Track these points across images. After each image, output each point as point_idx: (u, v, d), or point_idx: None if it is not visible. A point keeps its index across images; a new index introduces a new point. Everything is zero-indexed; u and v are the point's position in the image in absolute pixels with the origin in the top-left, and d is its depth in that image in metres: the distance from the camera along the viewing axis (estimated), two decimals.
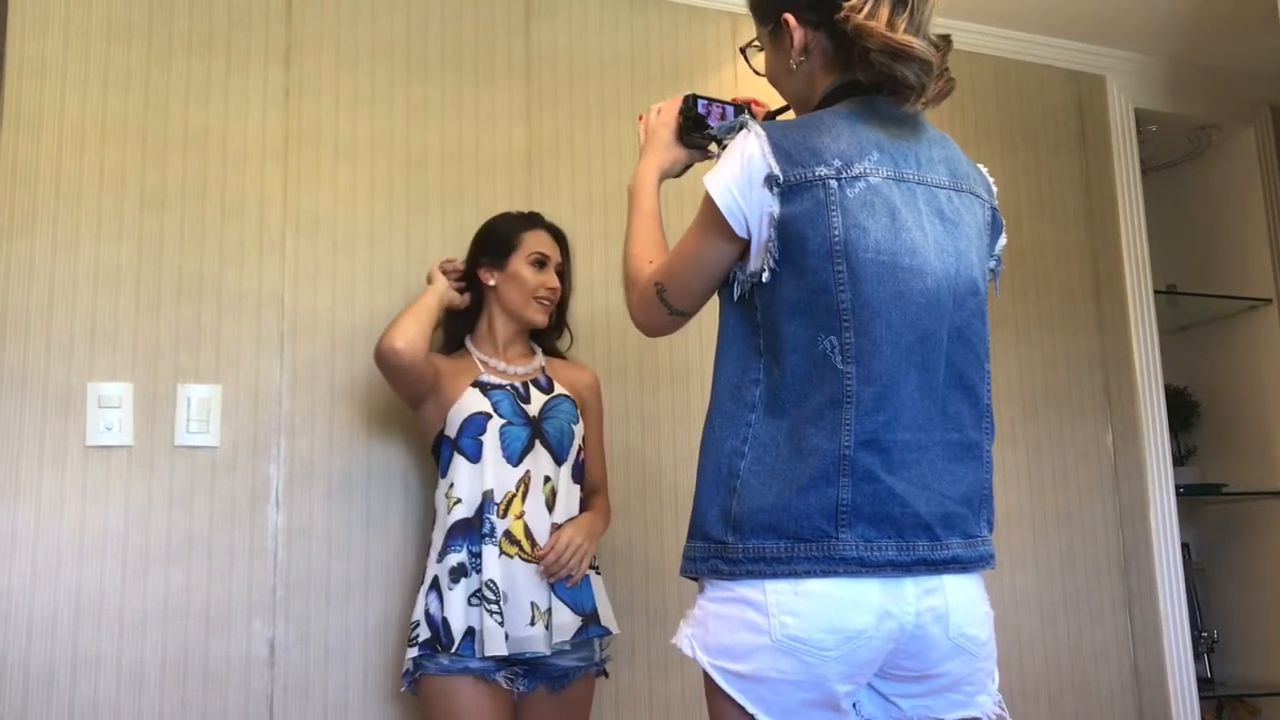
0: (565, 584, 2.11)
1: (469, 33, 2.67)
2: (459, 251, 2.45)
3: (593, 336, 2.62)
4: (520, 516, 2.12)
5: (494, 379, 2.24)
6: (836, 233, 1.35)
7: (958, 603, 1.39)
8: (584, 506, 2.25)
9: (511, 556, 2.10)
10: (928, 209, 1.41)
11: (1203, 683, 3.26)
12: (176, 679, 2.20)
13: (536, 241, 2.32)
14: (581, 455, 2.26)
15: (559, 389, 2.28)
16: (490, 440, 2.15)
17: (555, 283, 2.31)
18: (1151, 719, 3.02)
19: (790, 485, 1.33)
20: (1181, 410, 3.60)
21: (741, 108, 1.70)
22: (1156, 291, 3.30)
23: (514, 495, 2.14)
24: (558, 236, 2.38)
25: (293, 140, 2.46)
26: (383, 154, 2.53)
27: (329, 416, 2.39)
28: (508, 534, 2.11)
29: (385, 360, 2.13)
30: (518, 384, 2.25)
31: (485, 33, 2.68)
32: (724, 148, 1.55)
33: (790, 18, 1.47)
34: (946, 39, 1.44)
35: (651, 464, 2.63)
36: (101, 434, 2.22)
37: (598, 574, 2.21)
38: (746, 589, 1.33)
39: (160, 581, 2.22)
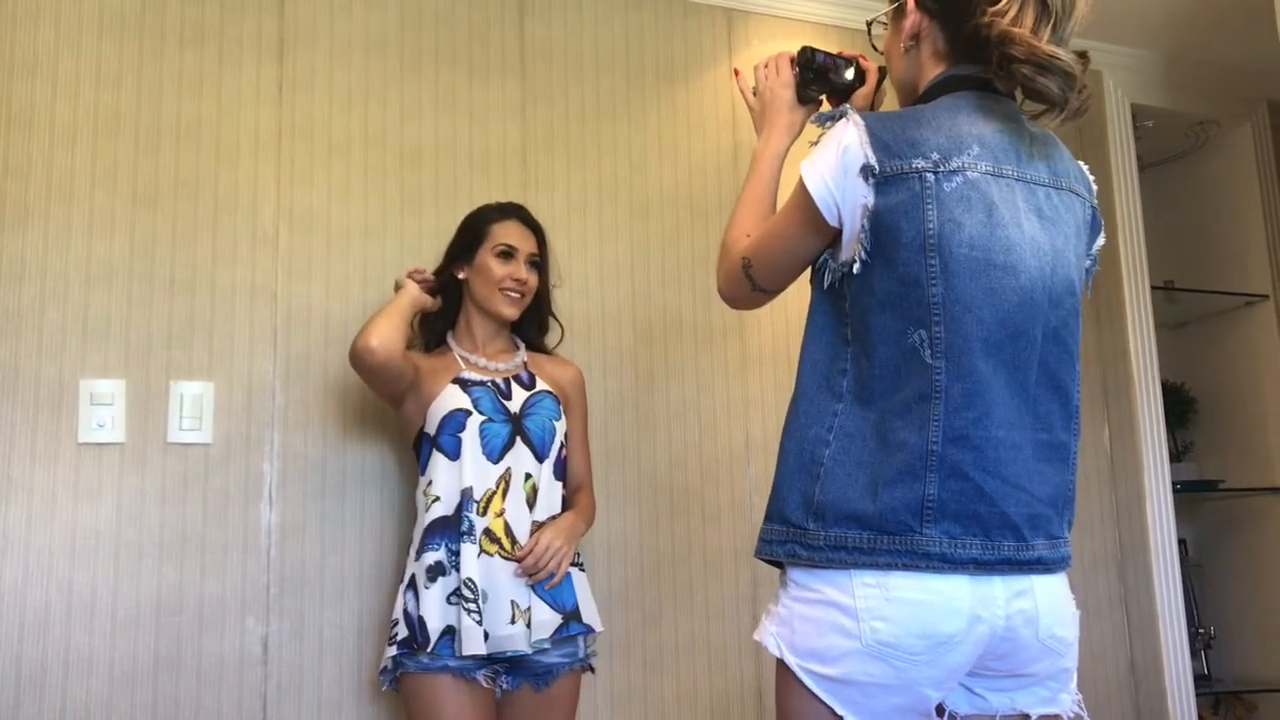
0: (545, 585, 2.10)
1: (463, 28, 2.66)
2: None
3: (588, 332, 2.61)
4: (500, 514, 2.10)
5: (474, 375, 2.21)
6: (931, 226, 1.33)
7: (1047, 605, 1.38)
8: (566, 504, 2.22)
9: (491, 555, 2.08)
10: (1026, 206, 1.39)
11: (1199, 679, 3.26)
12: (170, 676, 2.19)
13: (503, 233, 2.27)
14: (564, 452, 2.23)
15: (541, 385, 2.26)
16: (470, 437, 2.12)
17: (522, 274, 2.25)
18: (1148, 715, 3.02)
19: (877, 477, 1.33)
20: (1178, 406, 3.59)
21: (851, 60, 1.66)
22: (1154, 287, 3.30)
23: (494, 493, 2.11)
24: (533, 228, 2.32)
25: (286, 134, 2.45)
26: (376, 149, 2.52)
27: (322, 412, 2.38)
28: (487, 532, 2.08)
29: (360, 360, 2.10)
30: (499, 380, 2.23)
31: (479, 28, 2.67)
32: (837, 103, 1.58)
33: (911, 1, 1.48)
34: (1085, 55, 1.39)
35: (646, 459, 2.63)
36: (93, 431, 2.21)
37: (581, 570, 2.19)
38: (834, 590, 1.33)
39: (153, 578, 2.21)
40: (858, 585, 1.31)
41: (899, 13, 1.50)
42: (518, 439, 2.16)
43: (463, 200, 2.56)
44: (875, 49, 1.61)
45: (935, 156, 1.35)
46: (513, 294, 2.25)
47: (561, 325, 2.44)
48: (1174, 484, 3.19)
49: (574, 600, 2.14)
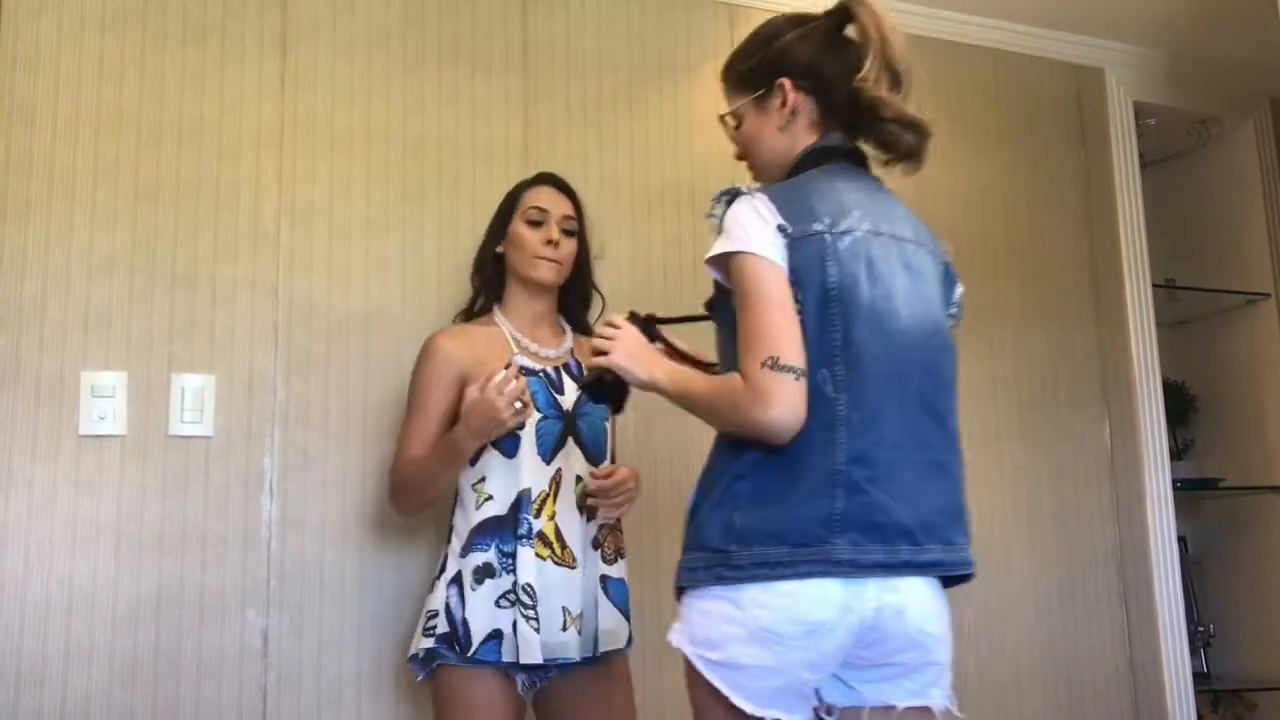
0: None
1: (466, 22, 2.66)
2: (452, 240, 2.45)
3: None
4: (552, 518, 2.03)
5: (528, 362, 2.12)
6: (832, 280, 1.52)
7: (915, 600, 1.52)
8: None
9: (544, 559, 2.00)
10: (898, 261, 1.59)
11: (1199, 677, 3.26)
12: (170, 669, 2.19)
13: (533, 197, 2.20)
14: (615, 453, 2.19)
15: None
16: (528, 436, 2.04)
17: (554, 235, 2.15)
18: (1147, 713, 3.02)
19: (790, 496, 1.48)
20: (1179, 404, 3.59)
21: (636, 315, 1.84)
22: (1155, 285, 3.30)
23: (547, 495, 2.04)
24: (566, 192, 2.23)
25: (288, 129, 2.45)
26: (379, 144, 2.53)
27: (323, 406, 2.38)
28: (540, 535, 2.01)
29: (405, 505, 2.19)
30: (550, 370, 2.14)
31: (482, 23, 2.67)
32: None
33: (787, 82, 1.65)
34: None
35: (647, 460, 2.62)
36: (95, 423, 2.21)
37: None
38: (725, 589, 1.48)
39: (153, 572, 2.21)
40: (753, 588, 1.47)
41: (765, 97, 1.67)
42: (569, 439, 2.10)
43: (465, 195, 2.56)
44: (733, 140, 1.76)
45: (828, 221, 1.55)
46: (548, 259, 2.16)
47: (603, 296, 2.34)
48: (1174, 482, 3.19)
49: (628, 605, 2.11)
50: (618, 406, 1.79)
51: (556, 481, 2.07)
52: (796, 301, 1.51)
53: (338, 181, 2.48)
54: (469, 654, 1.97)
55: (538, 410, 2.06)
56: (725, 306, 1.59)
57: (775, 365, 1.47)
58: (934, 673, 1.56)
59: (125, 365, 2.26)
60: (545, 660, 1.98)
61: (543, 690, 2.08)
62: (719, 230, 1.59)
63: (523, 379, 1.97)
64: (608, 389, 1.74)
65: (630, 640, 2.14)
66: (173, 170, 2.36)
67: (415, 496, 2.14)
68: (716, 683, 1.47)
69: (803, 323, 1.51)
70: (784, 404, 1.46)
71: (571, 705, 2.09)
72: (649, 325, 1.84)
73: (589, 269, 2.28)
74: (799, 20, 1.72)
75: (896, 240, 1.60)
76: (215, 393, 2.30)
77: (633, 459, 2.60)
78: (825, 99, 1.65)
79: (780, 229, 1.53)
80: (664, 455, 2.63)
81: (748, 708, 1.46)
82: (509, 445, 2.06)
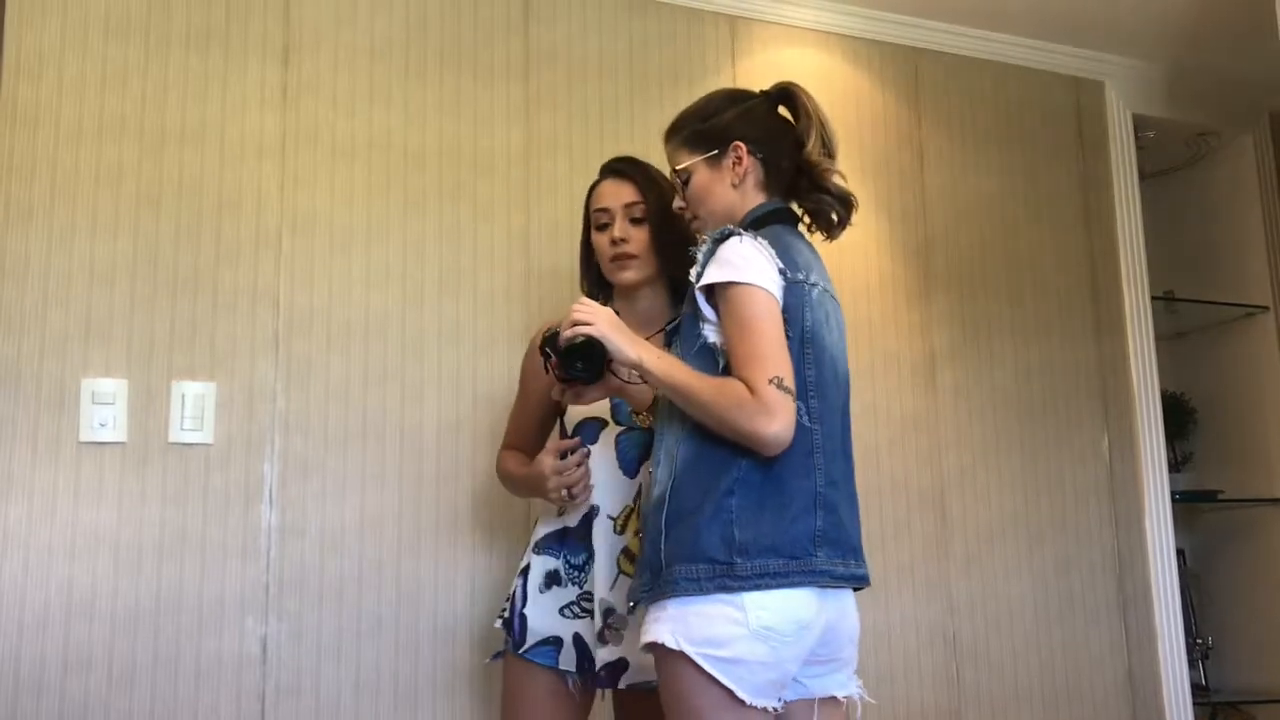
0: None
1: (467, 32, 2.67)
2: (452, 249, 2.46)
3: None
4: (639, 534, 1.88)
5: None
6: (808, 324, 1.73)
7: (851, 607, 1.78)
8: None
9: (630, 575, 1.90)
10: (835, 317, 1.83)
11: (1197, 689, 3.25)
12: (168, 676, 2.19)
13: (595, 199, 2.11)
14: None
15: None
16: (603, 450, 1.97)
17: (617, 233, 2.03)
18: None
19: (782, 515, 1.66)
20: (1178, 416, 3.60)
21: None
22: (1154, 297, 3.30)
23: (632, 510, 1.95)
24: (626, 175, 2.10)
25: (290, 138, 2.46)
26: (380, 152, 2.53)
27: (323, 415, 2.38)
28: (626, 551, 1.93)
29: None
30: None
31: (484, 32, 2.68)
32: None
33: (743, 145, 1.83)
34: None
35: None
36: (95, 430, 2.21)
37: None
38: (724, 594, 1.62)
39: (153, 578, 2.21)
40: (752, 593, 1.62)
41: (718, 157, 1.84)
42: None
43: (466, 204, 2.57)
44: (682, 195, 1.88)
45: (802, 273, 1.74)
46: (619, 259, 2.04)
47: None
48: (1173, 494, 3.20)
49: None
50: (596, 376, 1.81)
51: (642, 497, 1.93)
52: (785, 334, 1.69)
53: (339, 190, 2.48)
54: (520, 650, 1.97)
55: (619, 424, 1.99)
56: (692, 331, 1.75)
57: (780, 385, 1.63)
58: (853, 667, 1.80)
59: (126, 372, 2.26)
60: (631, 684, 1.94)
61: (622, 702, 2.06)
62: (705, 261, 1.72)
63: (585, 467, 1.96)
64: (585, 357, 1.77)
65: None
66: (175, 177, 2.36)
67: (511, 492, 2.18)
68: (722, 678, 1.60)
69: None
70: (785, 421, 1.63)
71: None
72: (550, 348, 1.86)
73: (677, 229, 1.98)
74: (744, 94, 1.92)
75: (831, 296, 1.82)
76: (215, 400, 2.30)
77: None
78: (773, 165, 1.85)
79: (781, 272, 1.71)
80: None
81: (747, 698, 1.61)
82: None
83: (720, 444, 1.67)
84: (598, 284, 2.14)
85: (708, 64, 2.88)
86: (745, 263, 1.69)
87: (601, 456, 1.98)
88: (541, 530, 2.05)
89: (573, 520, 2.00)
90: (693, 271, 1.74)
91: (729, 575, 1.62)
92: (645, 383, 1.79)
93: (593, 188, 2.15)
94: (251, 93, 2.45)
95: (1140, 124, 3.39)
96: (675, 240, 1.99)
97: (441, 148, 2.59)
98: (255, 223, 2.40)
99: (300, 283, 2.41)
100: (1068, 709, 2.95)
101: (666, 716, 1.67)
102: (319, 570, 2.32)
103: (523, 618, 1.99)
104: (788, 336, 1.69)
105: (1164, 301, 3.47)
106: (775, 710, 1.65)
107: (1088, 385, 3.16)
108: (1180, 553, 3.30)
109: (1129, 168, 3.32)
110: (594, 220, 2.10)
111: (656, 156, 2.78)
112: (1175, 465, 3.56)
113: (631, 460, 1.98)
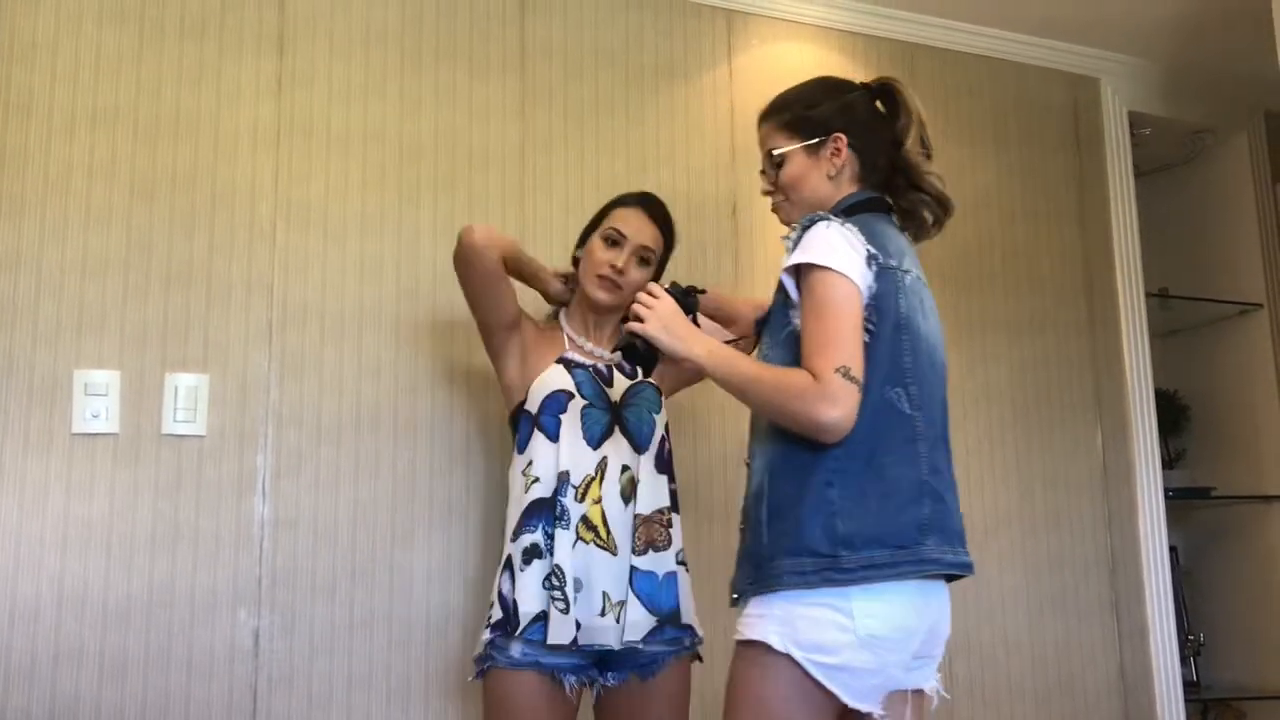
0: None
1: (463, 24, 2.66)
2: (447, 243, 2.44)
3: None
4: (598, 501, 2.04)
5: (578, 357, 2.17)
6: (902, 310, 1.70)
7: (947, 605, 1.75)
8: (675, 498, 2.15)
9: (588, 543, 2.02)
10: (931, 304, 1.80)
11: (1188, 685, 3.26)
12: (160, 669, 2.18)
13: (619, 218, 2.19)
14: (666, 445, 2.18)
15: (643, 375, 2.16)
16: (570, 420, 2.08)
17: (620, 263, 2.14)
18: None
19: (886, 505, 1.64)
20: (1171, 414, 3.60)
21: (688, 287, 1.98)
22: (1148, 294, 3.30)
23: (593, 479, 2.06)
24: (658, 220, 2.21)
25: (285, 129, 2.45)
26: (375, 144, 2.52)
27: (317, 407, 2.38)
28: (585, 519, 2.03)
29: (461, 248, 2.09)
30: (600, 365, 2.18)
31: (480, 24, 2.67)
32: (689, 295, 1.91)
33: (843, 137, 1.81)
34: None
35: (703, 464, 2.62)
36: (87, 421, 2.20)
37: (685, 570, 2.13)
38: (832, 597, 1.60)
39: (145, 570, 2.20)
40: (859, 594, 1.60)
41: (817, 146, 1.82)
42: (616, 428, 2.12)
43: (461, 197, 2.56)
44: (773, 172, 1.86)
45: (895, 260, 1.73)
46: (607, 281, 2.15)
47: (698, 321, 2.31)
48: (1166, 491, 3.20)
49: (674, 602, 2.08)
50: (647, 371, 1.88)
51: (602, 468, 2.08)
52: (870, 324, 1.67)
53: (334, 181, 2.47)
54: (519, 633, 1.98)
55: (584, 398, 2.10)
56: (781, 319, 1.73)
57: (846, 374, 1.60)
58: (939, 662, 1.78)
59: (119, 364, 2.25)
60: (582, 645, 1.99)
61: (599, 699, 2.08)
62: (794, 247, 1.70)
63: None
64: (639, 353, 1.82)
65: (691, 643, 2.13)
66: (168, 168, 2.35)
67: (481, 261, 2.11)
68: (830, 685, 1.59)
69: (874, 345, 1.66)
70: (846, 410, 1.60)
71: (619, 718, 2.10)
72: (688, 297, 1.92)
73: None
74: (847, 84, 1.91)
75: (925, 286, 1.80)
76: (209, 392, 2.30)
77: (689, 459, 2.59)
78: (869, 160, 1.83)
79: (871, 258, 1.68)
80: (718, 460, 2.59)
81: (851, 704, 1.61)
82: (550, 428, 2.09)
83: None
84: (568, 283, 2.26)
85: (704, 58, 2.88)
86: (829, 248, 1.67)
87: (568, 426, 2.08)
88: (517, 513, 2.08)
89: (546, 490, 2.05)
90: (784, 258, 1.72)
91: (834, 568, 1.60)
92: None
93: (620, 204, 2.23)
94: (246, 83, 2.44)
95: (1136, 121, 3.39)
96: None
97: (437, 140, 2.58)
98: (249, 214, 2.39)
99: (294, 274, 2.41)
100: (1060, 704, 2.96)
101: (735, 709, 1.64)
102: (312, 562, 2.32)
103: (515, 603, 2.01)
104: (879, 324, 1.67)
105: (1158, 298, 3.47)
106: (879, 716, 1.63)
107: (1081, 381, 3.17)
108: (1173, 549, 3.31)
109: (1124, 165, 3.32)
110: (606, 232, 2.18)
111: (649, 146, 2.79)
112: (1168, 462, 3.56)
113: (595, 434, 2.09)
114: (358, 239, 2.47)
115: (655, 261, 2.22)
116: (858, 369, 1.61)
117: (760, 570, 1.65)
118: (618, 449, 2.10)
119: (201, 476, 2.27)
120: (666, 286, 1.88)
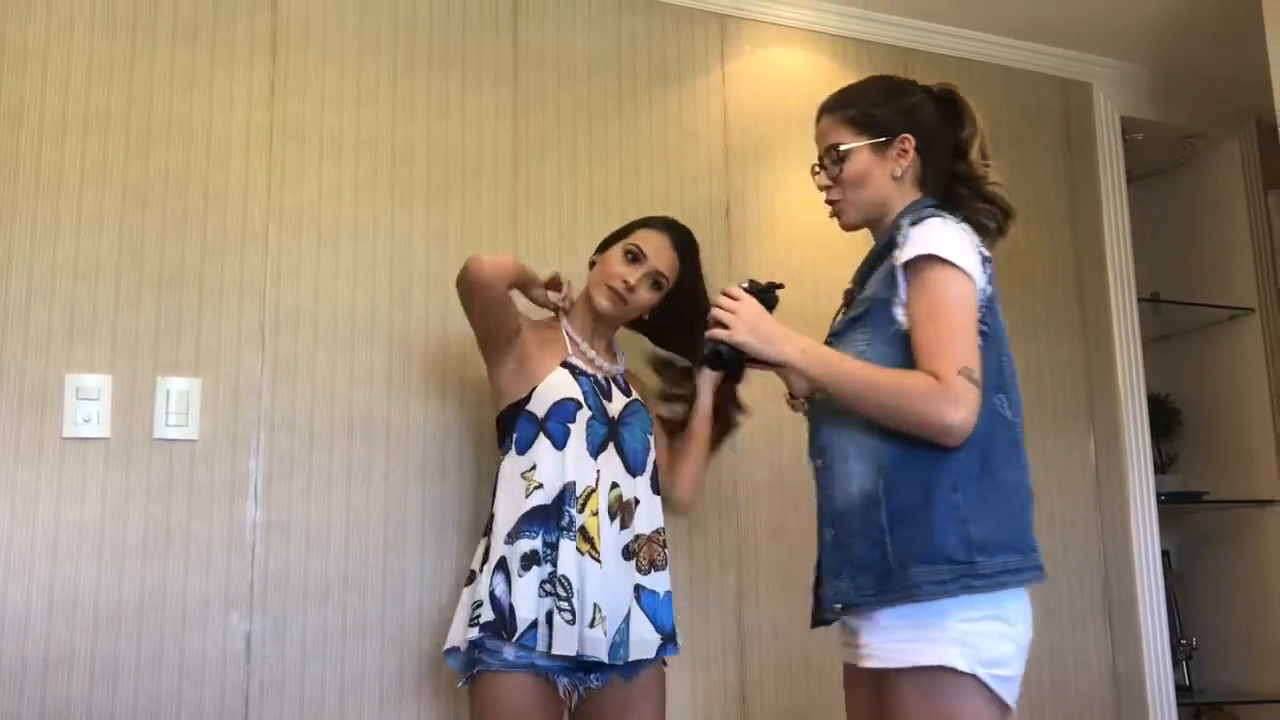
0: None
1: (456, 30, 2.66)
2: (440, 249, 2.45)
3: None
4: (595, 514, 2.04)
5: (581, 363, 2.17)
6: (1000, 315, 1.70)
7: None
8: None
9: (584, 554, 2.01)
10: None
11: (1181, 689, 3.26)
12: (151, 673, 2.18)
13: (643, 237, 2.21)
14: (655, 467, 2.19)
15: (636, 395, 2.23)
16: (578, 430, 2.07)
17: (632, 279, 2.16)
18: None
19: (1007, 509, 1.64)
20: (1163, 418, 3.61)
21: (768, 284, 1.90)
22: (1140, 299, 3.31)
23: (592, 491, 2.06)
24: (680, 251, 2.23)
25: (277, 134, 2.45)
26: (367, 150, 2.53)
27: (309, 412, 2.38)
28: (582, 530, 2.02)
29: (468, 280, 2.06)
30: (600, 377, 2.18)
31: (473, 31, 2.67)
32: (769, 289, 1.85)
33: (911, 139, 1.78)
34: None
35: (774, 468, 2.64)
36: (79, 426, 2.20)
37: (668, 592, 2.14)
38: (993, 608, 1.59)
39: (136, 575, 2.20)
40: (1009, 600, 1.61)
41: (884, 145, 1.78)
42: (611, 445, 2.12)
43: (454, 203, 2.56)
44: (834, 168, 1.81)
45: (989, 266, 1.69)
46: (615, 292, 2.17)
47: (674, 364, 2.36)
48: (1158, 495, 3.21)
49: (672, 621, 2.10)
50: (737, 378, 1.82)
51: (598, 480, 2.08)
52: (984, 325, 1.64)
53: (326, 187, 2.48)
54: (514, 639, 1.97)
55: (588, 408, 2.10)
56: (885, 316, 1.67)
57: (970, 376, 1.57)
58: None
59: (110, 368, 2.25)
60: (577, 654, 1.98)
61: (581, 701, 2.08)
62: (904, 241, 1.65)
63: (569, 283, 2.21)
64: (726, 362, 1.76)
65: (665, 649, 2.13)
66: (161, 173, 2.35)
67: (480, 280, 2.08)
68: (1007, 697, 1.59)
69: (985, 347, 1.63)
70: (970, 411, 1.57)
71: (603, 717, 2.11)
72: (767, 293, 1.85)
73: (666, 315, 2.24)
74: (912, 85, 1.87)
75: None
76: (201, 396, 2.30)
77: (759, 465, 2.65)
78: (931, 165, 1.80)
79: (986, 259, 1.67)
80: (790, 463, 2.57)
81: (1012, 707, 1.61)
82: (558, 435, 2.08)
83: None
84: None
85: (697, 64, 2.88)
86: (949, 242, 1.63)
87: (575, 436, 2.07)
88: (515, 515, 2.05)
89: (548, 498, 2.04)
90: (894, 253, 1.67)
91: (971, 574, 1.57)
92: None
93: (647, 224, 2.24)
94: (238, 89, 2.44)
95: (1128, 126, 3.41)
96: (657, 321, 2.26)
97: (429, 146, 2.58)
98: (242, 219, 2.39)
99: (287, 279, 2.41)
100: (1053, 709, 2.96)
101: None
102: (304, 567, 2.32)
103: (511, 608, 1.99)
104: (988, 324, 1.65)
105: (1150, 303, 3.48)
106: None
107: (1073, 386, 3.17)
108: (1165, 553, 3.31)
109: (1116, 169, 3.34)
110: (627, 246, 2.20)
111: (643, 152, 2.79)
112: (1160, 467, 3.57)
113: (595, 444, 2.09)
114: (350, 244, 2.47)
115: (666, 288, 2.22)
116: (978, 371, 1.58)
117: (887, 580, 1.60)
118: (609, 464, 2.10)
119: (193, 481, 2.27)
120: (744, 285, 1.80)
